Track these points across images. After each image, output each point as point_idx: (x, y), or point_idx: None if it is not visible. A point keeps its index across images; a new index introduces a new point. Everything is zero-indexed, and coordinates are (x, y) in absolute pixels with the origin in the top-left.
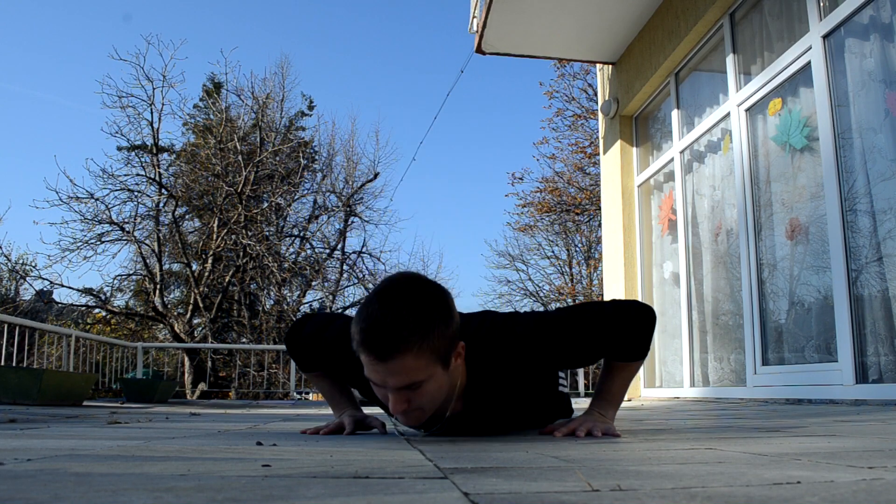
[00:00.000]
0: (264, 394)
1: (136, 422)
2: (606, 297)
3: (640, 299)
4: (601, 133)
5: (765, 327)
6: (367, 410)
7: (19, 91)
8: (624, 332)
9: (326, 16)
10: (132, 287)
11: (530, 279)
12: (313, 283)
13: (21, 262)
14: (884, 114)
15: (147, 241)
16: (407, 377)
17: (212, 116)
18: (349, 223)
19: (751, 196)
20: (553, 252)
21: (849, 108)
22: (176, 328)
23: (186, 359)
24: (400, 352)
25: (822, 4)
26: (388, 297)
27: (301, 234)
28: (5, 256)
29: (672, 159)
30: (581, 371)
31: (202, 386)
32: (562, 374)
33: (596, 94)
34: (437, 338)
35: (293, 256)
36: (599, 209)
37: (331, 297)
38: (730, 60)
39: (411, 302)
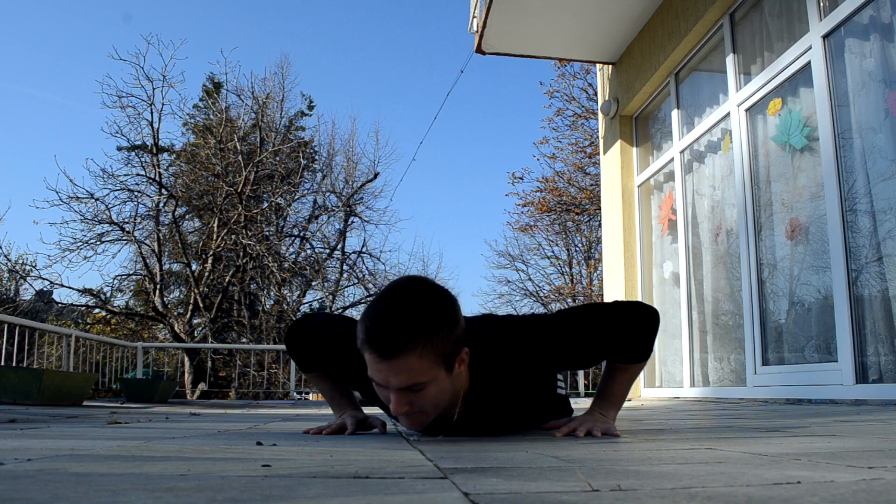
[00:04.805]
0: (264, 394)
1: (136, 422)
2: (606, 298)
3: (640, 299)
4: (601, 133)
5: (765, 327)
6: (367, 411)
7: (19, 91)
8: (626, 334)
9: (326, 16)
10: (132, 287)
11: (530, 279)
12: (313, 283)
13: (21, 262)
14: (884, 114)
15: (147, 241)
16: (409, 377)
17: (212, 116)
18: (349, 223)
19: (751, 196)
20: (553, 252)
21: (849, 108)
22: (176, 328)
23: (186, 359)
24: (404, 350)
25: (822, 4)
26: (395, 297)
27: (301, 234)
28: (5, 256)
29: (672, 159)
30: (581, 371)
31: (202, 386)
32: (560, 377)
33: (596, 94)
34: (441, 340)
35: (293, 256)
36: (599, 209)
37: (331, 297)
38: (730, 60)
39: (418, 303)
